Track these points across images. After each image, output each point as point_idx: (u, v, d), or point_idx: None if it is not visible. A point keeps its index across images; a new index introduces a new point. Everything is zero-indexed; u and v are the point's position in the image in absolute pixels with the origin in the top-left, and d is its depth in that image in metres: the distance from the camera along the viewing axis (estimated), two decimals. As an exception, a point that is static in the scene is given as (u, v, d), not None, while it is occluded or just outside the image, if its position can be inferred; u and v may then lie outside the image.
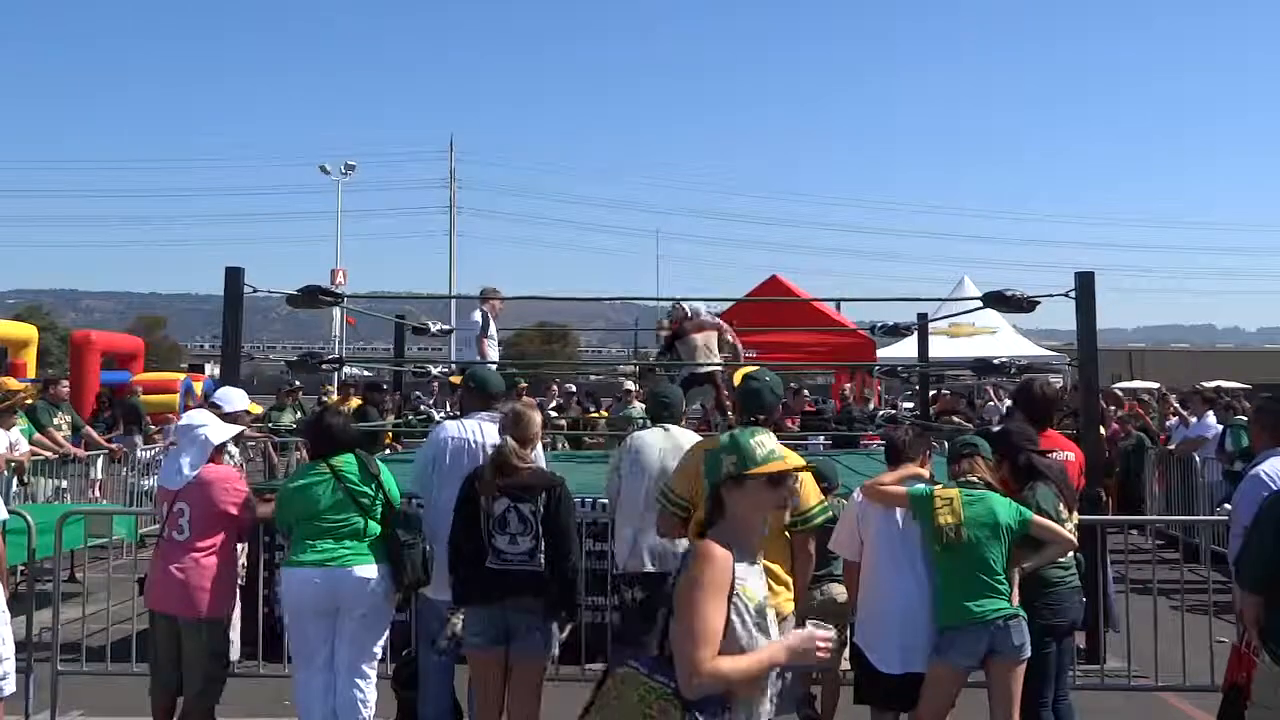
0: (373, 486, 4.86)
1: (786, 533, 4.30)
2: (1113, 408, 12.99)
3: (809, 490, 4.32)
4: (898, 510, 4.52)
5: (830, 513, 4.66)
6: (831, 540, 4.84)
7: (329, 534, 4.77)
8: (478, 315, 9.24)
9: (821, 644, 2.64)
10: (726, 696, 2.57)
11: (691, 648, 2.51)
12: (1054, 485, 4.64)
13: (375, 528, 4.85)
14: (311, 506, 4.81)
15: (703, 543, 2.65)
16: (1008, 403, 12.47)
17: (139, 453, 11.76)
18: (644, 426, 5.99)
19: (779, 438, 2.98)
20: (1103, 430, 8.75)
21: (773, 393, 4.53)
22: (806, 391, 15.76)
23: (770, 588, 4.05)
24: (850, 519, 4.66)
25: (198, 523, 4.86)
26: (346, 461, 4.89)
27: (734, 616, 2.57)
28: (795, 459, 2.91)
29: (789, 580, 4.32)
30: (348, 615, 4.78)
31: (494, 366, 8.49)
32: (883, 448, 5.12)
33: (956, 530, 4.34)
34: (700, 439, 5.10)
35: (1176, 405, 13.40)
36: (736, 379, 4.74)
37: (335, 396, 16.09)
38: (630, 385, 15.08)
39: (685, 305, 9.58)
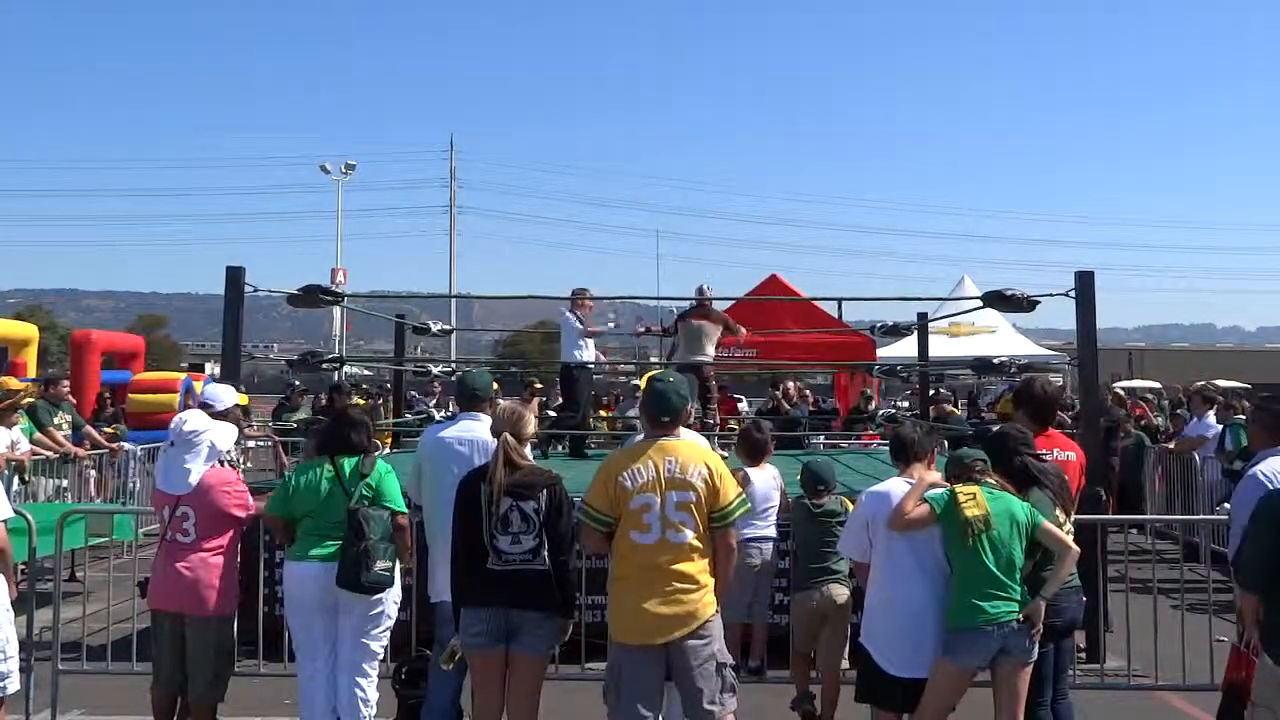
0: (365, 488, 4.82)
1: (709, 532, 4.16)
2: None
3: (727, 485, 4.22)
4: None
5: (748, 506, 4.69)
6: (840, 542, 4.82)
7: (331, 532, 4.78)
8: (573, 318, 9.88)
9: None
10: None
11: None
12: (1050, 490, 4.56)
13: None
14: (315, 503, 4.84)
15: None
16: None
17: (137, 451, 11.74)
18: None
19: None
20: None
21: (679, 395, 4.34)
22: (808, 391, 15.73)
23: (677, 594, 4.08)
24: (859, 520, 4.64)
25: (204, 526, 4.89)
26: (349, 461, 4.90)
27: None
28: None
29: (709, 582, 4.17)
30: (347, 613, 4.80)
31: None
32: (884, 447, 5.12)
33: (985, 521, 4.27)
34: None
35: (1166, 403, 13.42)
36: (642, 382, 4.59)
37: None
38: (641, 383, 15.05)
39: (708, 290, 9.95)
